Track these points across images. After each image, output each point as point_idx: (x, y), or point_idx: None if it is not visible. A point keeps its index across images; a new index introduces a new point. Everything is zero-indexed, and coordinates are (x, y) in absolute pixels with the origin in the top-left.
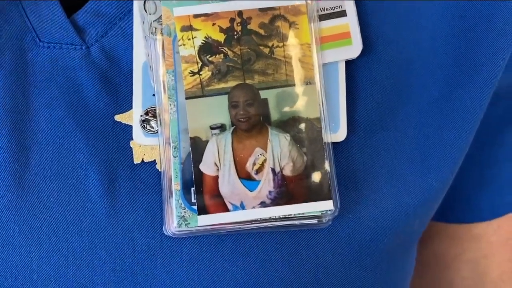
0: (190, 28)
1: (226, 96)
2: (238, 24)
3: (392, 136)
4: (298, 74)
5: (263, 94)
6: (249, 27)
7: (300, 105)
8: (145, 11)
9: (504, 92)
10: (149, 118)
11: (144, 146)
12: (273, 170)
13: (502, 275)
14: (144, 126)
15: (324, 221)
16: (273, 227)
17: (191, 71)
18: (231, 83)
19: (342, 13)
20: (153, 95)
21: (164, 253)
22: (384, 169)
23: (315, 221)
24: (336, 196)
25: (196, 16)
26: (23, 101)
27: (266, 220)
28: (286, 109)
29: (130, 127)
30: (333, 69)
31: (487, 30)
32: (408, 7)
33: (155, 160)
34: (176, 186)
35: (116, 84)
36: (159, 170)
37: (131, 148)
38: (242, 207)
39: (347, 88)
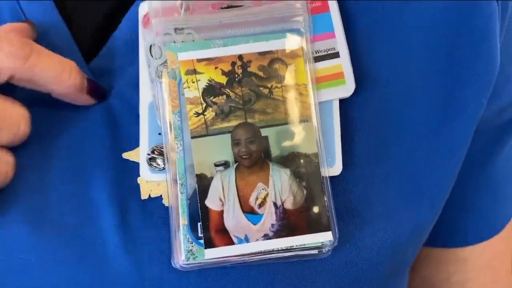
0: (194, 71)
1: (229, 135)
2: (239, 67)
3: (384, 170)
4: (295, 112)
5: (264, 132)
6: (249, 69)
7: (299, 142)
8: (151, 55)
9: (484, 125)
10: (155, 156)
11: (151, 182)
12: (274, 204)
13: None
14: (150, 163)
15: (324, 251)
16: (276, 258)
17: (195, 112)
18: (234, 122)
19: (336, 55)
20: (159, 134)
21: (172, 285)
22: (378, 201)
23: (315, 251)
24: (335, 227)
25: (199, 60)
26: None
27: (269, 252)
28: (286, 145)
29: (137, 164)
30: (328, 107)
31: (472, 70)
32: (398, 47)
33: (161, 195)
34: (184, 221)
35: (123, 123)
36: (166, 205)
37: (139, 184)
38: (247, 240)
39: (342, 125)
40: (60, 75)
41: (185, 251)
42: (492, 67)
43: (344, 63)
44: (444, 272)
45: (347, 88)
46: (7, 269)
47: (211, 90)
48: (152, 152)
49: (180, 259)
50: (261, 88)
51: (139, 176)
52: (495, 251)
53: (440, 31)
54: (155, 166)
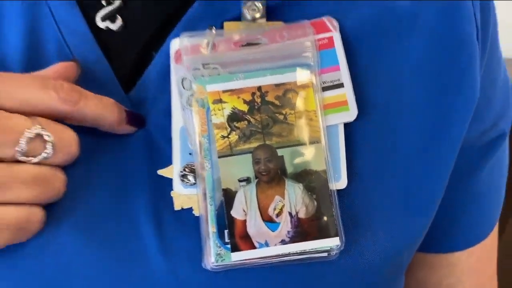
0: (220, 101)
1: (250, 155)
2: (258, 97)
3: (384, 184)
4: (307, 135)
5: (280, 152)
6: (266, 99)
7: (310, 160)
8: (183, 87)
9: (468, 145)
10: (186, 173)
11: (183, 196)
12: (290, 213)
13: None
14: (182, 179)
15: (332, 254)
16: (291, 260)
17: (221, 135)
18: (254, 144)
19: (340, 85)
20: (190, 154)
21: (202, 284)
22: (379, 211)
23: (325, 254)
24: (342, 234)
25: (224, 91)
26: None
27: (285, 255)
28: (299, 163)
29: (171, 179)
30: (334, 130)
31: (456, 100)
32: (394, 79)
33: (191, 207)
34: (213, 228)
35: (158, 145)
36: (196, 215)
37: (172, 197)
38: (266, 244)
39: (346, 145)
40: (103, 114)
41: (214, 254)
42: (473, 97)
43: (347, 92)
44: (437, 275)
45: (351, 114)
46: (59, 278)
47: (234, 116)
48: (184, 169)
49: (210, 261)
50: (277, 115)
51: (173, 190)
52: (481, 255)
53: (430, 66)
54: (186, 182)
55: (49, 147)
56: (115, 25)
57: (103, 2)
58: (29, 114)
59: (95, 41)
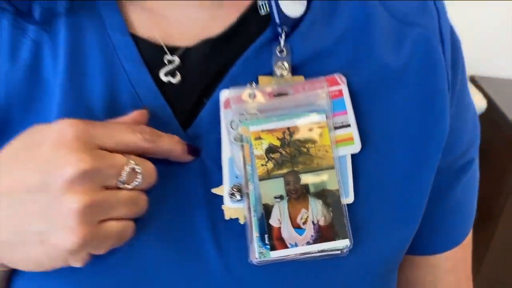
0: (259, 138)
1: (282, 178)
2: (288, 135)
3: (380, 200)
4: (324, 163)
5: (304, 176)
6: (294, 136)
7: (326, 182)
8: (231, 127)
9: (444, 169)
10: (234, 191)
11: (231, 209)
12: (313, 222)
13: None
14: (231, 196)
15: (343, 252)
16: (314, 256)
17: (261, 164)
18: (285, 170)
19: (348, 125)
20: (236, 177)
21: (249, 274)
22: (376, 222)
23: (338, 252)
24: (350, 237)
25: (263, 131)
26: None
27: (310, 253)
28: (318, 184)
29: (222, 196)
30: (344, 159)
31: (431, 136)
32: (387, 122)
33: (237, 217)
34: (256, 234)
35: (211, 170)
36: (241, 223)
37: (223, 210)
38: (296, 245)
39: (353, 171)
40: (172, 148)
41: (258, 252)
42: (444, 136)
43: (353, 131)
44: (421, 273)
45: (355, 147)
46: (143, 278)
47: (270, 150)
48: (232, 189)
49: (255, 257)
50: (302, 148)
51: (223, 204)
52: (457, 258)
53: (412, 112)
54: (234, 198)
55: (139, 177)
56: (175, 79)
57: (165, 61)
58: (123, 152)
59: (159, 92)
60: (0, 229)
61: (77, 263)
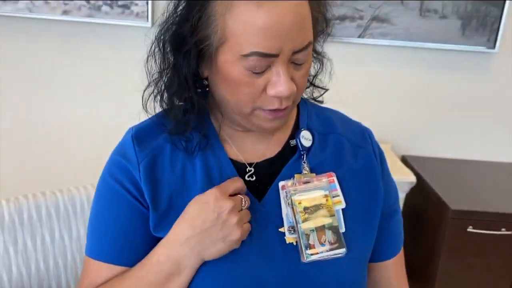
0: (300, 202)
1: (312, 221)
2: (312, 200)
3: (356, 228)
4: (330, 213)
5: (321, 219)
6: (315, 202)
7: (332, 222)
8: (286, 198)
9: (383, 212)
10: (290, 229)
11: (289, 237)
12: (329, 241)
13: (397, 286)
14: (289, 230)
15: (343, 255)
16: (329, 257)
17: (302, 215)
18: (313, 217)
19: (338, 196)
20: (290, 222)
21: (301, 267)
22: (355, 239)
23: (340, 255)
24: (345, 247)
25: (300, 199)
26: None
27: (328, 256)
28: (329, 223)
29: (284, 232)
30: (338, 211)
31: (376, 190)
32: (355, 188)
33: (292, 242)
34: (303, 248)
35: (276, 218)
36: (294, 244)
37: (285, 238)
38: (322, 252)
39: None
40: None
41: (305, 256)
42: (381, 194)
43: (341, 198)
44: (378, 274)
45: (343, 205)
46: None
47: (305, 208)
48: (289, 228)
49: (304, 259)
50: (319, 206)
51: (285, 236)
52: (396, 262)
53: (366, 187)
54: (290, 232)
55: (246, 203)
56: (253, 179)
57: (247, 170)
58: (235, 193)
59: (245, 185)
60: (204, 241)
61: (238, 246)
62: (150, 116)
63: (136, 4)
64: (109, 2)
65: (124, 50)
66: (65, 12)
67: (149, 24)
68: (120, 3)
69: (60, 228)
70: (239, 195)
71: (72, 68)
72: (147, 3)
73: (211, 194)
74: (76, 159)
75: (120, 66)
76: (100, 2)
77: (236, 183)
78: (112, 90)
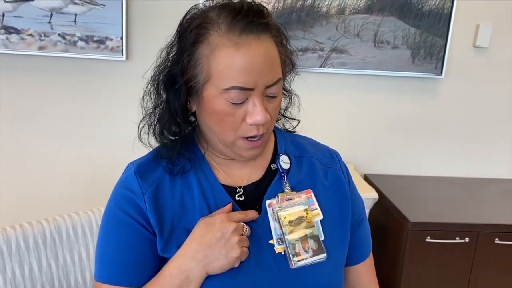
0: (285, 217)
1: (297, 233)
2: (295, 215)
3: (333, 237)
4: (310, 225)
5: (304, 230)
6: (298, 215)
7: (313, 231)
8: (272, 213)
9: (352, 222)
10: (278, 240)
11: (278, 248)
12: (312, 249)
13: (368, 286)
14: (278, 242)
15: (324, 259)
16: (313, 261)
17: (287, 227)
18: (297, 229)
19: (316, 209)
20: (278, 234)
21: (290, 272)
22: (333, 245)
23: (322, 259)
24: (326, 252)
25: (285, 214)
26: None
27: (313, 260)
28: (310, 232)
29: (273, 243)
30: (318, 222)
31: (345, 202)
32: (330, 198)
33: (281, 252)
34: (291, 256)
35: (265, 232)
36: (283, 253)
37: (274, 249)
38: (307, 259)
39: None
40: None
41: (293, 263)
42: (349, 205)
43: (319, 211)
44: (352, 276)
45: (321, 217)
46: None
47: (290, 221)
48: (277, 240)
49: (292, 265)
50: (302, 219)
51: (275, 246)
52: (367, 265)
53: (337, 201)
54: (279, 242)
55: (247, 231)
56: (242, 198)
57: (237, 191)
58: (237, 222)
59: (236, 204)
60: (209, 256)
61: (237, 264)
62: (134, 146)
63: (111, 39)
64: (84, 37)
65: (100, 82)
66: (41, 48)
67: (123, 57)
68: (95, 38)
69: (47, 256)
70: (242, 223)
71: (51, 101)
72: (122, 39)
73: (218, 217)
74: (55, 189)
75: (95, 98)
76: (76, 38)
77: (242, 215)
78: (98, 122)
